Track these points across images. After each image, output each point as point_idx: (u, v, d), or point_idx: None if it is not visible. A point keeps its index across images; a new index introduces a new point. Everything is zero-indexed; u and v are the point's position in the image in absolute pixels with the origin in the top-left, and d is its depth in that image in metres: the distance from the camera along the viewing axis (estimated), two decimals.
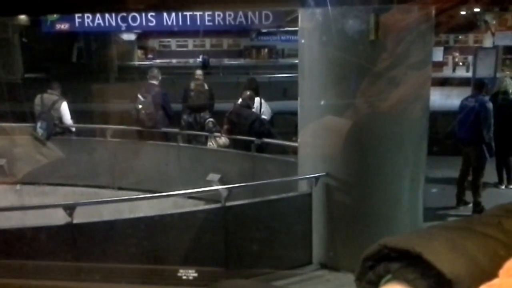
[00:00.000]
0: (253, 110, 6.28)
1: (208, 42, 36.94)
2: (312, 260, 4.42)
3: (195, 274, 1.64)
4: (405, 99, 3.85)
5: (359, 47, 3.82)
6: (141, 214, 4.36)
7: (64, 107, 6.92)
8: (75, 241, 3.79)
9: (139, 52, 34.47)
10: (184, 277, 1.62)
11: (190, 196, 5.68)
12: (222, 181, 5.73)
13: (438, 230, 0.59)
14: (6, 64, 18.03)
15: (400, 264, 0.53)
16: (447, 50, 27.81)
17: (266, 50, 38.30)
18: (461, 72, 23.39)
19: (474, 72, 13.35)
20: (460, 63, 25.65)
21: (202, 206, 5.29)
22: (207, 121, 6.46)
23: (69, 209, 3.77)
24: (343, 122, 3.95)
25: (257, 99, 6.37)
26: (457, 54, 26.33)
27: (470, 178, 5.95)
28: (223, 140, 6.36)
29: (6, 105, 9.11)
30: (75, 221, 3.74)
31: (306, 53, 4.34)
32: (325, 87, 4.10)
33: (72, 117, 7.06)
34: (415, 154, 4.23)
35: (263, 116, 6.34)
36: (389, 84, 3.75)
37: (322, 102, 4.10)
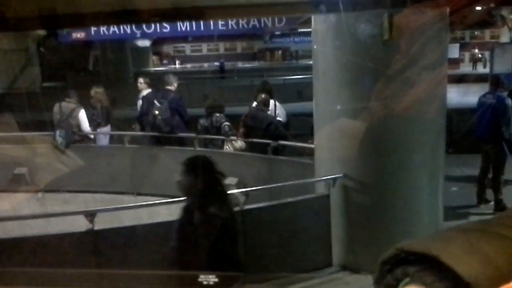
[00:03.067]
0: (268, 112, 6.30)
1: (222, 46, 37.10)
2: (332, 262, 4.40)
3: (216, 279, 1.66)
4: (420, 99, 3.82)
5: (373, 47, 3.80)
6: (160, 219, 4.40)
7: (82, 115, 7.03)
8: (97, 247, 3.84)
9: (154, 58, 34.76)
10: (205, 283, 1.64)
11: None
12: (239, 185, 5.74)
13: (455, 232, 0.59)
14: (25, 74, 18.35)
15: (418, 268, 0.54)
16: (463, 47, 27.41)
17: (280, 52, 38.29)
18: (479, 68, 23.04)
19: (491, 68, 13.14)
20: (479, 59, 25.16)
21: None
22: (223, 125, 6.48)
23: (90, 215, 3.83)
24: (359, 123, 3.94)
25: (271, 102, 6.38)
26: (476, 50, 25.84)
27: (490, 175, 5.86)
28: (239, 143, 6.38)
29: (25, 114, 9.27)
30: (96, 228, 3.80)
31: (320, 55, 4.34)
32: (339, 88, 4.10)
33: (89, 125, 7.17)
34: (433, 153, 4.19)
35: (278, 118, 6.35)
36: (404, 85, 3.73)
37: (337, 104, 4.09)
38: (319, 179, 4.58)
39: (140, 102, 7.54)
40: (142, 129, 7.30)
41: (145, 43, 28.48)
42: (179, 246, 2.77)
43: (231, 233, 2.87)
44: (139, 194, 6.50)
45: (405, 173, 4.08)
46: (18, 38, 17.92)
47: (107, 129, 7.58)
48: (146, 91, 7.50)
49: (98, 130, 7.46)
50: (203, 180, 2.80)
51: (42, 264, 3.57)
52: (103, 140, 7.63)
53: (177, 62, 36.41)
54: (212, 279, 1.66)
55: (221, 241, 2.69)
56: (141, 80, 7.72)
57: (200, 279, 1.67)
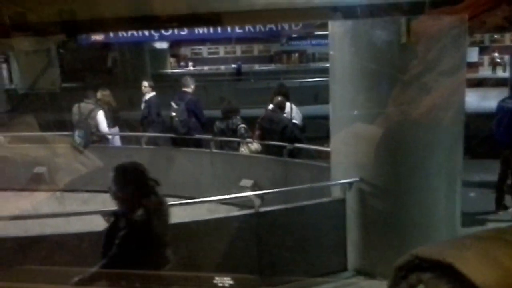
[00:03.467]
0: (284, 115, 6.30)
1: (238, 49, 37.19)
2: (347, 267, 4.38)
3: (231, 282, 1.67)
4: (438, 105, 3.78)
5: (390, 52, 3.79)
6: (176, 220, 4.43)
7: (100, 116, 7.12)
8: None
9: (171, 60, 34.99)
10: (220, 284, 1.66)
11: (223, 202, 5.73)
12: (254, 187, 5.75)
13: (470, 240, 0.59)
14: (45, 75, 18.64)
15: (432, 275, 0.54)
16: (483, 50, 26.99)
17: (296, 54, 38.21)
18: (498, 72, 22.67)
19: (511, 72, 12.93)
20: (499, 63, 24.76)
21: (235, 212, 5.33)
22: (239, 127, 6.50)
23: (108, 215, 3.87)
24: (375, 128, 3.92)
25: (287, 104, 6.38)
26: (495, 54, 25.43)
27: (509, 181, 5.77)
28: (255, 146, 6.40)
29: (45, 114, 9.42)
30: None
31: (336, 59, 4.34)
32: (356, 93, 4.09)
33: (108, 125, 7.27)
34: (450, 159, 4.15)
35: (294, 121, 6.35)
36: (421, 90, 3.70)
37: (353, 108, 4.08)
38: (335, 182, 4.57)
39: (143, 105, 7.63)
40: (144, 131, 7.49)
41: (162, 45, 28.68)
42: (102, 252, 2.76)
43: (153, 243, 2.78)
44: None
45: (422, 179, 4.05)
46: (39, 40, 18.23)
47: (115, 130, 7.68)
48: (149, 95, 7.59)
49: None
50: (132, 187, 2.76)
51: (59, 262, 3.63)
52: (115, 141, 7.72)
53: (189, 64, 36.52)
54: (227, 281, 1.67)
55: (138, 249, 2.62)
56: (145, 83, 7.74)
57: (215, 281, 1.69)
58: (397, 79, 3.76)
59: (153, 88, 7.73)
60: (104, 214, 3.94)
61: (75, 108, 7.19)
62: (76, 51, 21.22)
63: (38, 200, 6.49)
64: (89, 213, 4.66)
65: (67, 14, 0.96)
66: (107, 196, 6.88)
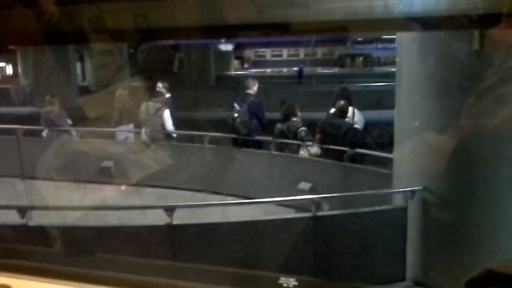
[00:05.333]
0: (347, 120, 6.23)
1: (302, 51, 37.10)
2: (405, 277, 4.26)
3: (295, 283, 1.69)
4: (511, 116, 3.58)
5: (461, 59, 3.64)
6: (234, 219, 4.53)
7: (167, 115, 7.39)
8: (174, 242, 4.03)
9: (235, 62, 35.54)
10: (285, 285, 1.68)
11: (280, 204, 5.76)
12: (313, 190, 5.73)
13: None
14: (117, 74, 19.57)
15: None
16: None
17: (361, 58, 37.55)
18: None
19: None
20: None
21: (292, 214, 5.34)
22: (299, 130, 6.51)
23: (169, 210, 4.02)
24: (443, 137, 3.78)
25: (350, 109, 6.30)
26: None
27: None
28: (315, 149, 6.37)
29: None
30: (174, 222, 3.99)
31: (404, 64, 4.23)
32: (423, 100, 3.96)
33: (173, 124, 7.52)
34: None
35: (355, 126, 6.26)
36: (494, 100, 3.52)
37: (419, 115, 3.96)
38: (397, 190, 4.46)
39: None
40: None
41: (227, 47, 29.21)
42: None
43: None
44: (215, 193, 6.71)
45: (493, 191, 3.84)
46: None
47: (129, 127, 7.96)
48: (166, 96, 7.72)
49: (119, 127, 7.94)
50: None
51: (122, 252, 3.81)
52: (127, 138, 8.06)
53: (245, 66, 36.73)
54: (292, 282, 1.69)
55: None
56: (159, 85, 7.80)
57: (280, 281, 1.72)
58: (467, 87, 3.60)
59: (167, 90, 7.84)
60: (165, 209, 4.10)
61: (143, 106, 7.51)
62: (145, 52, 22.11)
63: (104, 193, 6.83)
64: (151, 207, 4.86)
65: (141, 20, 1.02)
66: (168, 191, 7.14)
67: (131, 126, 8.00)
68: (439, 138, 3.85)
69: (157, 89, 7.82)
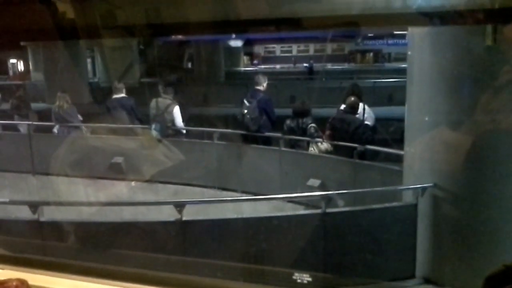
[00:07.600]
0: (357, 116, 6.20)
1: (312, 47, 36.97)
2: (415, 274, 4.24)
3: (309, 279, 1.70)
4: None
5: (474, 54, 3.60)
6: (243, 215, 4.54)
7: (177, 111, 7.40)
8: (184, 237, 4.05)
9: (245, 58, 35.52)
10: (299, 281, 1.68)
11: (289, 200, 5.76)
12: (322, 187, 5.72)
13: None
14: (127, 70, 19.66)
15: None
16: None
17: (371, 54, 37.32)
18: None
19: None
20: None
21: (302, 210, 5.34)
22: (309, 126, 6.49)
23: (180, 206, 4.04)
24: (455, 133, 3.75)
25: (360, 105, 6.27)
26: None
27: None
28: (325, 145, 6.35)
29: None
30: (184, 218, 4.01)
31: (415, 60, 4.19)
32: (435, 96, 3.92)
33: (183, 120, 7.54)
34: None
35: (366, 122, 6.23)
36: (510, 96, 3.48)
37: (431, 111, 3.93)
38: (407, 187, 4.44)
39: None
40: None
41: (237, 43, 29.21)
42: None
43: None
44: (224, 189, 6.72)
45: (505, 187, 3.80)
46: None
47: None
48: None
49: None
50: None
51: (132, 247, 3.83)
52: None
53: (254, 62, 36.68)
54: (306, 278, 1.70)
55: None
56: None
57: (294, 277, 1.72)
58: (480, 83, 3.56)
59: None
60: (175, 205, 4.12)
61: (153, 103, 7.52)
62: (155, 48, 22.15)
63: (114, 189, 6.88)
64: (161, 203, 4.88)
65: (152, 15, 1.01)
66: (178, 188, 7.17)
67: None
68: (450, 134, 3.81)
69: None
